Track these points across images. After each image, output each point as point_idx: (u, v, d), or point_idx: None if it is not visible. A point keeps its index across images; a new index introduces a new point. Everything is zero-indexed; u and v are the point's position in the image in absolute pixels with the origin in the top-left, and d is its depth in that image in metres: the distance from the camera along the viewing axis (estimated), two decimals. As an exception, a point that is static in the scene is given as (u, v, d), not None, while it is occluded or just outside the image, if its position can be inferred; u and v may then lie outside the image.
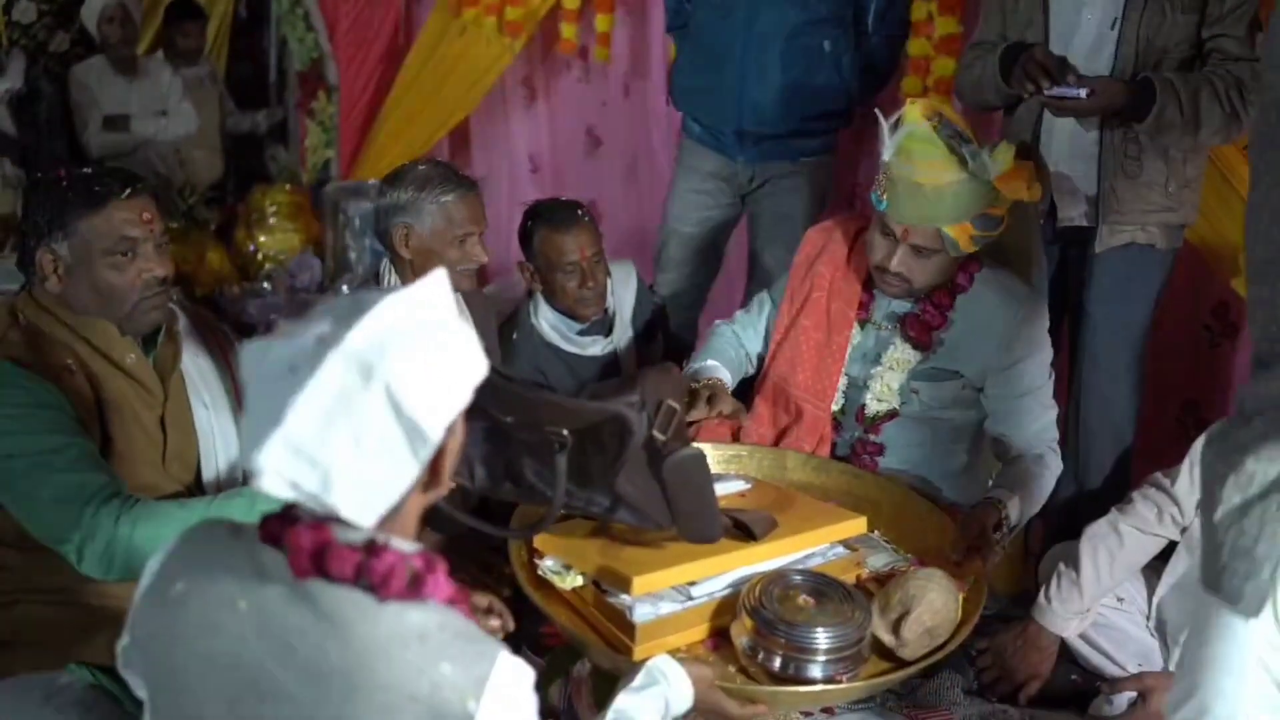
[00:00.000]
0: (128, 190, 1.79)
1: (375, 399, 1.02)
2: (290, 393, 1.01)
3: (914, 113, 2.06)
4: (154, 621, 1.11)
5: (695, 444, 1.77)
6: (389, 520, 1.09)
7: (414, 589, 1.07)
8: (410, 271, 2.34)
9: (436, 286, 1.09)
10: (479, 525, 1.62)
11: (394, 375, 1.02)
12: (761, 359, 2.39)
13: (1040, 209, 2.44)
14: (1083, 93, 2.24)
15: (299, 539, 1.06)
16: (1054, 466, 2.15)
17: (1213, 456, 1.15)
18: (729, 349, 2.38)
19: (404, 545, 1.09)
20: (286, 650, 1.06)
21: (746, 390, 2.41)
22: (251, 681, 1.07)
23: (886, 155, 2.07)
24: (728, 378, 2.27)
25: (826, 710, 1.85)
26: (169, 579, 1.11)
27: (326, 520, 1.07)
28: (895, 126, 2.07)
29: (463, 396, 1.09)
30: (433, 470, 1.10)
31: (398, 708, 1.05)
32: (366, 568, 1.06)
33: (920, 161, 2.01)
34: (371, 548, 1.07)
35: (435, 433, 1.06)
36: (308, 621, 1.06)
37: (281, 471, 1.03)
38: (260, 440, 1.02)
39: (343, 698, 1.05)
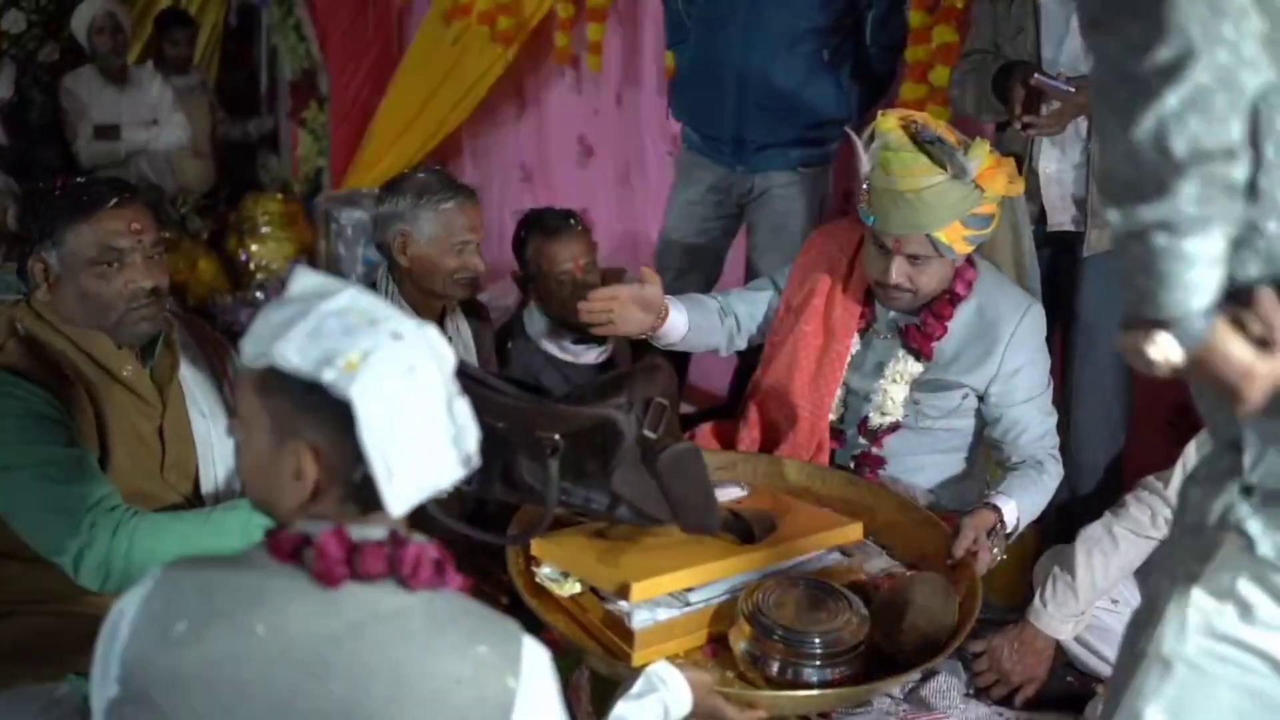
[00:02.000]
0: (114, 200, 1.77)
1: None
2: (439, 382, 1.10)
3: (886, 123, 2.06)
4: (156, 668, 1.08)
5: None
6: (385, 516, 1.11)
7: (438, 576, 1.10)
8: (409, 279, 2.35)
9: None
10: (473, 533, 1.63)
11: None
12: (757, 334, 2.36)
13: (1030, 215, 2.46)
14: (1072, 88, 2.26)
15: (327, 547, 1.07)
16: (1054, 473, 2.15)
17: None
18: (705, 300, 2.33)
19: (417, 536, 1.12)
20: (320, 663, 1.06)
21: (742, 391, 2.41)
22: (286, 702, 1.06)
23: (865, 170, 2.07)
24: (680, 309, 2.22)
25: (824, 715, 1.86)
26: (165, 621, 1.08)
27: (342, 526, 1.09)
28: (869, 140, 2.07)
29: None
30: None
31: (445, 693, 1.07)
32: (396, 559, 1.09)
33: (898, 170, 2.00)
34: (395, 540, 1.10)
35: None
36: (339, 628, 1.07)
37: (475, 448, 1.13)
38: (458, 431, 1.11)
39: (390, 694, 1.06)
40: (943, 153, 1.99)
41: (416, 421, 1.07)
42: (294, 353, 1.06)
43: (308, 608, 1.07)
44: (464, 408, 1.11)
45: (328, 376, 1.05)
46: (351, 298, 1.10)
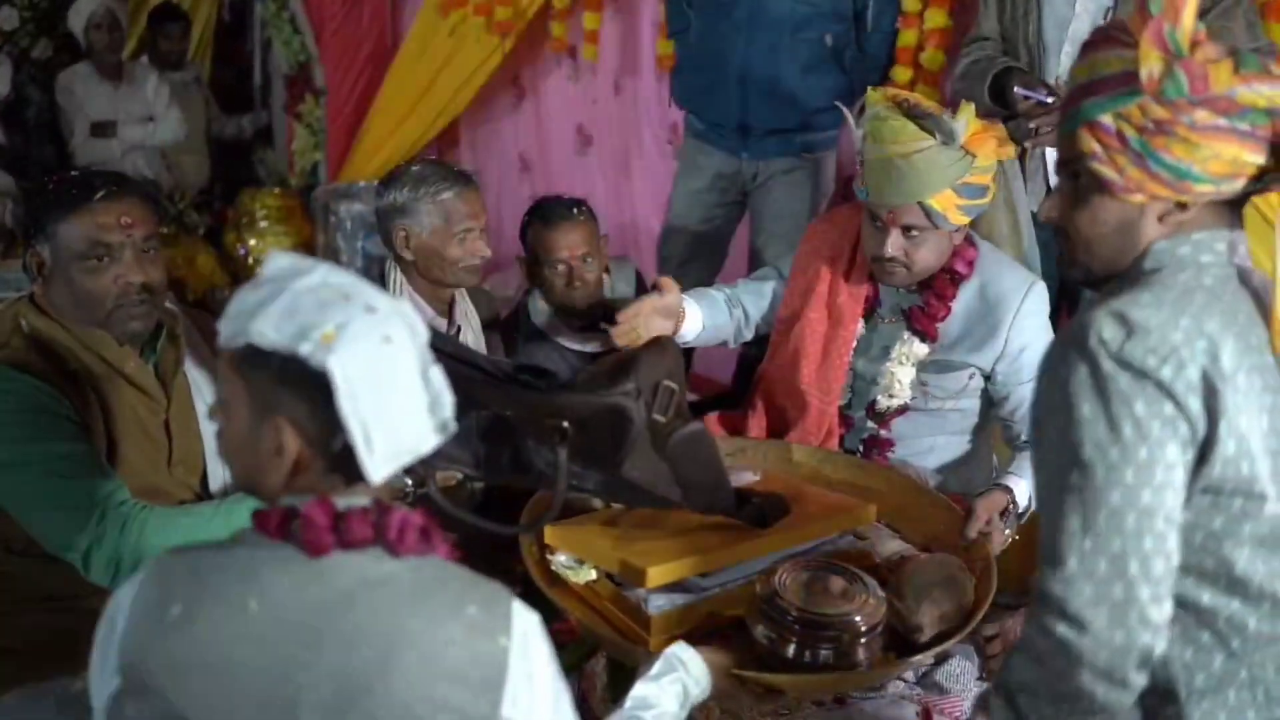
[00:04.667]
0: (101, 193, 1.75)
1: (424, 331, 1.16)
2: (412, 354, 1.11)
3: (875, 96, 2.08)
4: (154, 654, 1.09)
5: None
6: (369, 486, 1.13)
7: (425, 542, 1.11)
8: (415, 272, 2.34)
9: None
10: (483, 524, 1.62)
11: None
12: (764, 324, 2.36)
13: (1038, 199, 2.46)
14: (1049, 98, 2.26)
15: (313, 517, 1.08)
16: None
17: None
18: (714, 295, 2.33)
19: (401, 505, 1.13)
20: (312, 633, 1.07)
21: (748, 380, 2.40)
22: (282, 675, 1.07)
23: (858, 143, 2.09)
24: (695, 308, 2.21)
25: (838, 700, 1.85)
26: (160, 607, 1.10)
27: (327, 496, 1.10)
28: (860, 115, 2.09)
29: None
30: None
31: (437, 654, 1.08)
32: (382, 525, 1.10)
33: (888, 137, 2.02)
34: (380, 507, 1.11)
35: None
36: (329, 597, 1.08)
37: (450, 417, 1.13)
38: (428, 401, 1.11)
39: (384, 657, 1.07)
40: (931, 122, 2.00)
41: (393, 389, 1.09)
42: (270, 329, 1.08)
43: (297, 579, 1.08)
44: (439, 376, 1.12)
45: (304, 349, 1.07)
46: (324, 275, 1.12)
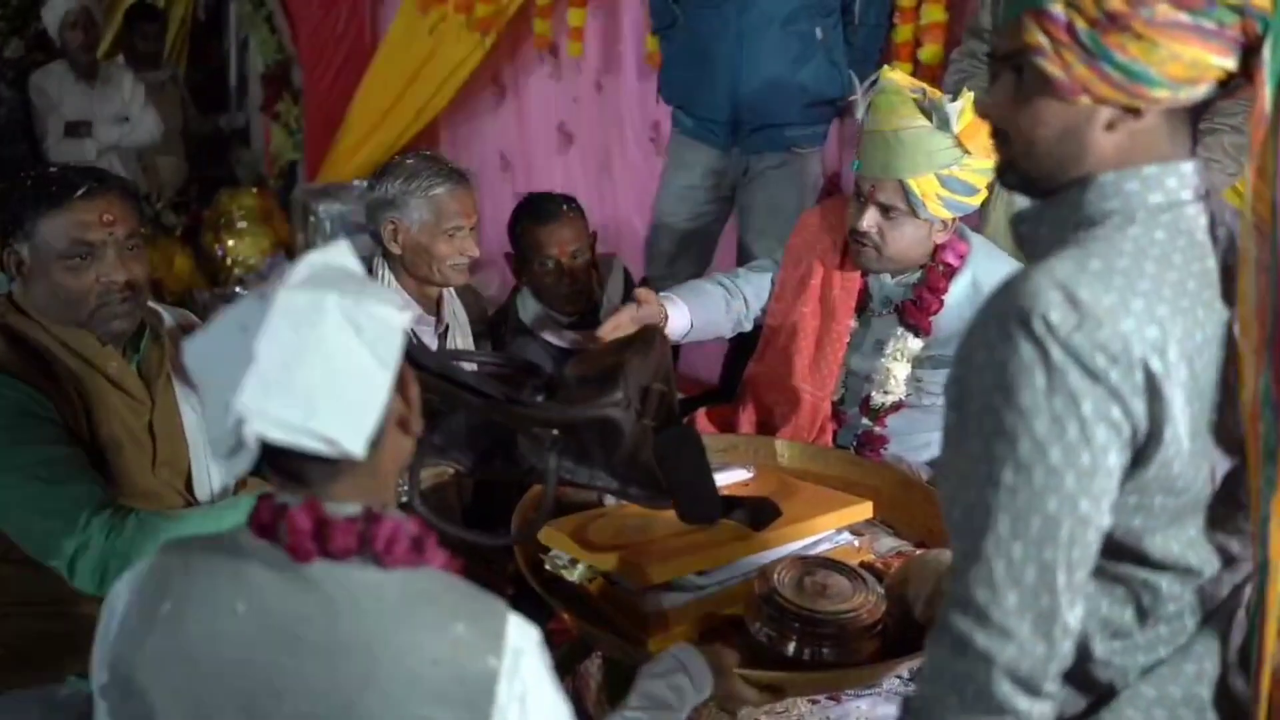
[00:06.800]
0: (82, 190, 1.72)
1: (332, 322, 1.02)
2: (249, 340, 0.99)
3: (889, 72, 2.09)
4: (142, 649, 1.07)
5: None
6: (370, 487, 1.09)
7: (416, 553, 1.07)
8: (402, 267, 2.31)
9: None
10: (473, 537, 1.61)
11: (343, 298, 1.02)
12: (763, 315, 2.35)
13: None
14: None
15: (297, 520, 1.05)
16: None
17: None
18: (708, 288, 2.31)
19: (396, 514, 1.09)
20: (295, 641, 1.05)
21: (737, 374, 2.39)
22: (264, 681, 1.05)
23: (859, 114, 2.10)
24: (682, 308, 2.21)
25: (833, 697, 1.84)
26: (151, 603, 1.08)
27: (316, 499, 1.06)
28: (868, 89, 2.11)
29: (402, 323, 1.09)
30: (404, 399, 1.10)
31: (420, 673, 1.04)
32: (369, 535, 1.05)
33: (884, 110, 2.04)
34: (369, 516, 1.07)
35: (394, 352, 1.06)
36: (312, 607, 1.05)
37: (265, 411, 0.99)
38: (234, 389, 0.99)
39: (365, 673, 1.04)
40: (930, 105, 2.01)
41: (213, 386, 1.02)
42: None
43: (285, 584, 1.06)
44: (256, 383, 0.99)
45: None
46: (302, 264, 1.07)
